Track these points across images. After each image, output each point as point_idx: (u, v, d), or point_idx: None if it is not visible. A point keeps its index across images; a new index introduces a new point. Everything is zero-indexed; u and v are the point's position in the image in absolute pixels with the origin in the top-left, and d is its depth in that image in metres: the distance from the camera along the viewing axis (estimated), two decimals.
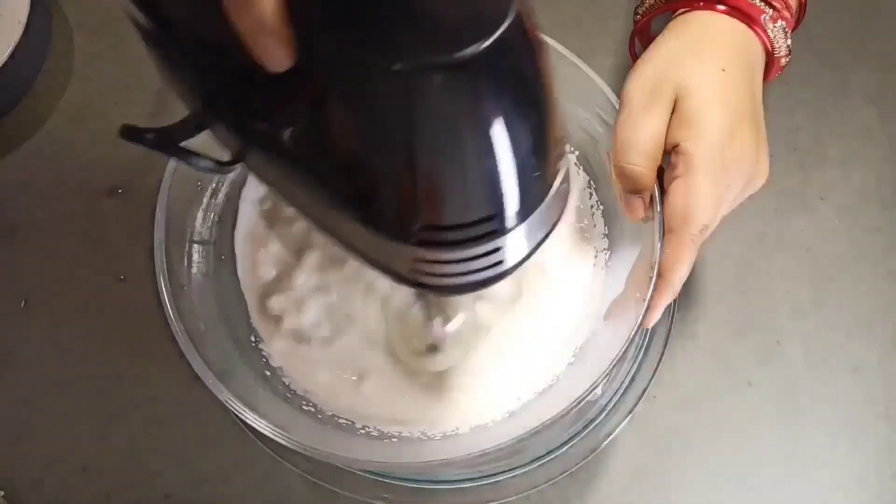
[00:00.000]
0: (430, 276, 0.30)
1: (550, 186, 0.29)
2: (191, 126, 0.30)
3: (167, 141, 0.29)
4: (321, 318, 0.50)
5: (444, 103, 0.24)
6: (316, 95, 0.26)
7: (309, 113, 0.27)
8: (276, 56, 0.25)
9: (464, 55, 0.23)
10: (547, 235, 0.31)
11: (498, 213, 0.28)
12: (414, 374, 0.48)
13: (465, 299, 0.47)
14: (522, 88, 0.26)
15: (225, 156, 0.31)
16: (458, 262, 0.29)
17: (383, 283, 0.49)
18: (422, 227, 0.28)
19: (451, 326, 0.46)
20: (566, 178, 0.30)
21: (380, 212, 0.28)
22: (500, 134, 0.25)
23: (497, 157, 0.26)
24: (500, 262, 0.30)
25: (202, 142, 0.30)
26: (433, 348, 0.47)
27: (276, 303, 0.50)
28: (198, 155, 0.29)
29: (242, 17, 0.24)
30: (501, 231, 0.28)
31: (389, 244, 0.29)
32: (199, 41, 0.29)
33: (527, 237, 0.30)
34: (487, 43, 0.23)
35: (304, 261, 0.50)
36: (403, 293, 0.48)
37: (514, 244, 0.29)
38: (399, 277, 0.31)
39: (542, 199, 0.29)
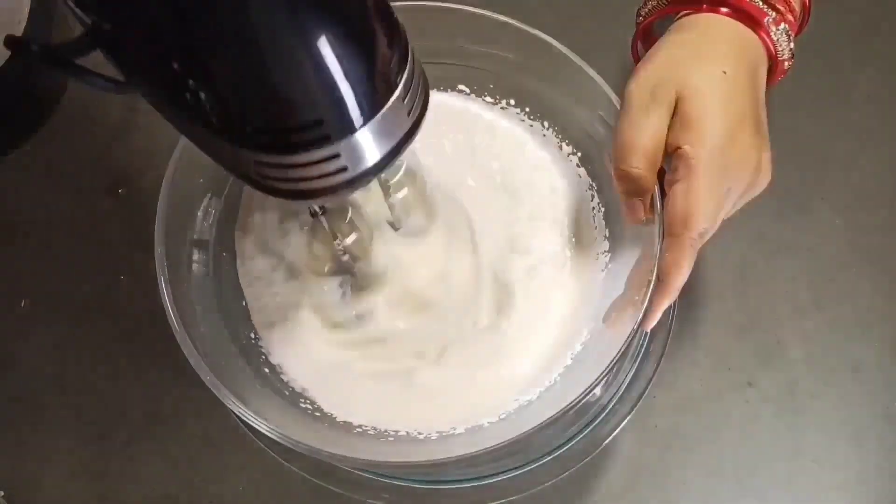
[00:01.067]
0: (278, 181, 0.31)
1: (389, 95, 0.30)
2: (81, 44, 0.30)
3: (56, 56, 0.29)
4: (321, 318, 0.50)
5: (266, 7, 0.26)
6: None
7: (154, 13, 0.28)
8: None
9: None
10: (398, 147, 0.32)
11: (327, 118, 0.29)
12: (414, 374, 0.48)
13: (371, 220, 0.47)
14: None
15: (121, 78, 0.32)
16: (297, 166, 0.30)
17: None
18: (255, 130, 0.29)
19: (349, 239, 0.46)
20: (415, 92, 0.31)
21: (220, 116, 0.29)
22: (322, 36, 0.27)
23: (321, 60, 0.27)
24: (344, 169, 0.31)
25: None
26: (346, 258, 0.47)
27: (276, 302, 0.50)
28: (94, 74, 0.30)
29: None
30: (335, 136, 0.29)
31: (234, 148, 0.30)
32: None
33: (370, 145, 0.30)
34: None
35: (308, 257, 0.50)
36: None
37: (354, 151, 0.30)
38: (255, 183, 0.32)
39: (378, 108, 0.30)
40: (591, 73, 0.47)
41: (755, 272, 0.56)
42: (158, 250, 0.44)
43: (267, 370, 0.49)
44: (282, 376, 0.49)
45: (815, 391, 0.53)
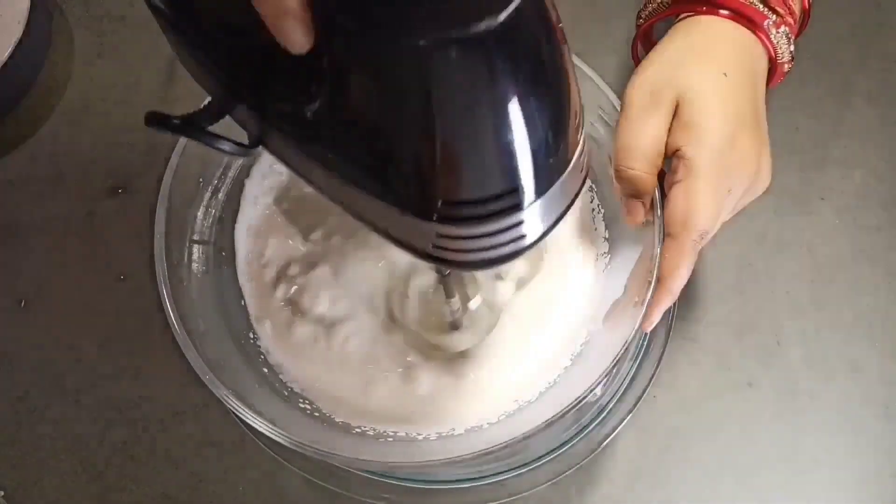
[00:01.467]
0: (452, 252, 0.30)
1: (570, 159, 0.29)
2: (214, 111, 0.30)
3: (192, 126, 0.29)
4: (322, 316, 0.50)
5: (461, 77, 0.25)
6: (335, 75, 0.27)
7: (329, 93, 0.27)
8: (298, 38, 0.25)
9: (479, 28, 0.23)
10: (567, 208, 0.31)
11: (518, 187, 0.28)
12: (414, 375, 0.48)
13: (482, 278, 0.48)
14: (538, 61, 0.26)
15: (246, 138, 0.32)
16: (479, 237, 0.29)
17: (391, 273, 0.50)
18: (443, 203, 0.28)
19: (473, 304, 0.46)
20: (584, 151, 0.31)
21: (401, 189, 0.28)
22: (516, 107, 0.26)
23: (515, 131, 0.26)
24: (521, 237, 0.30)
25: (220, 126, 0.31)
26: (454, 327, 0.47)
27: (278, 300, 0.50)
28: (222, 138, 0.30)
29: (264, 1, 0.25)
30: (522, 205, 0.28)
31: (411, 221, 0.29)
32: (221, 25, 0.30)
33: (547, 210, 0.30)
34: (503, 16, 0.23)
35: (309, 258, 0.50)
36: (417, 282, 0.49)
37: (534, 218, 0.29)
38: (421, 254, 0.31)
39: (561, 172, 0.29)
40: (591, 74, 0.47)
41: (755, 272, 0.56)
42: (158, 250, 0.44)
43: (266, 370, 0.49)
44: (281, 376, 0.49)
45: (815, 391, 0.53)
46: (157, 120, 0.28)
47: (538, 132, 0.27)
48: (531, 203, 0.28)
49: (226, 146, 0.30)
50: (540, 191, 0.28)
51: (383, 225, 0.31)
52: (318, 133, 0.29)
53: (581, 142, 0.30)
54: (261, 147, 0.32)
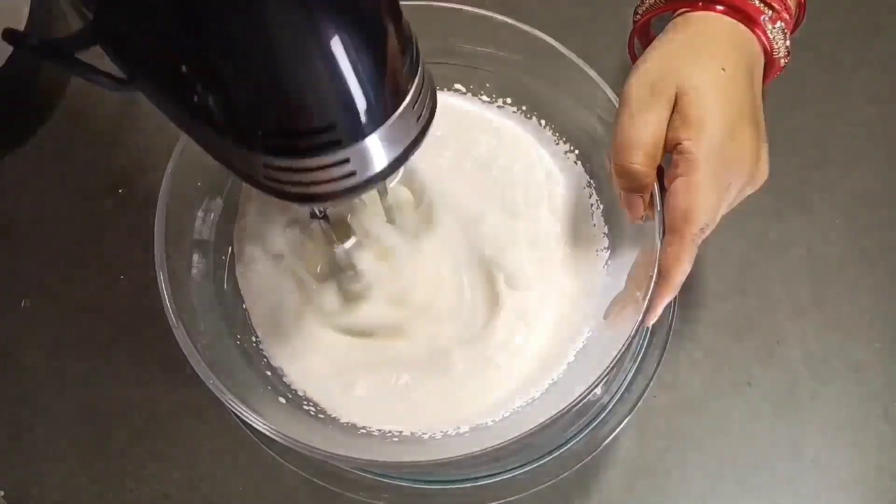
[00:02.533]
0: (284, 184, 0.31)
1: (400, 101, 0.30)
2: (81, 38, 0.30)
3: (56, 50, 0.29)
4: (322, 318, 0.50)
5: (281, 9, 0.26)
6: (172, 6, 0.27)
7: (170, 20, 0.28)
8: None
9: None
10: (405, 153, 0.32)
11: (339, 123, 0.29)
12: (415, 375, 0.48)
13: (368, 224, 0.48)
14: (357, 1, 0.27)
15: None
16: (307, 170, 0.30)
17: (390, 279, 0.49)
18: (266, 133, 0.29)
19: (348, 243, 0.46)
20: (424, 98, 0.31)
21: (229, 119, 0.29)
22: (339, 41, 0.27)
23: (338, 65, 0.27)
24: (353, 174, 0.31)
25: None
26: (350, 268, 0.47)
27: (276, 302, 0.50)
28: (95, 70, 0.30)
29: None
30: (346, 141, 0.29)
31: (242, 151, 0.30)
32: None
33: (378, 151, 0.31)
34: None
35: (307, 259, 0.50)
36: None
37: (363, 156, 0.30)
38: (260, 185, 0.32)
39: (389, 114, 0.30)
40: (590, 71, 0.47)
41: (755, 272, 0.56)
42: (158, 250, 0.44)
43: (268, 372, 0.49)
44: (282, 377, 0.49)
45: (815, 391, 0.53)
46: (13, 38, 0.28)
47: (357, 70, 0.28)
48: (355, 141, 0.29)
49: (96, 77, 0.30)
50: (364, 130, 0.29)
51: (225, 158, 0.32)
52: (164, 63, 0.29)
53: (415, 88, 0.31)
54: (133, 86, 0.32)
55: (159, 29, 0.28)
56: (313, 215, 0.44)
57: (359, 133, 0.29)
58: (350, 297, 0.49)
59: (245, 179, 0.33)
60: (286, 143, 0.29)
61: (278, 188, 0.32)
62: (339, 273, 0.49)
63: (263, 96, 0.28)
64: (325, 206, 0.42)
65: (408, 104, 0.30)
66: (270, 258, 0.51)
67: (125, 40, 0.30)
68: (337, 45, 0.27)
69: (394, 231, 0.48)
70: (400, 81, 0.30)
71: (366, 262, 0.47)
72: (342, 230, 0.46)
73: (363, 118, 0.29)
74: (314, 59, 0.27)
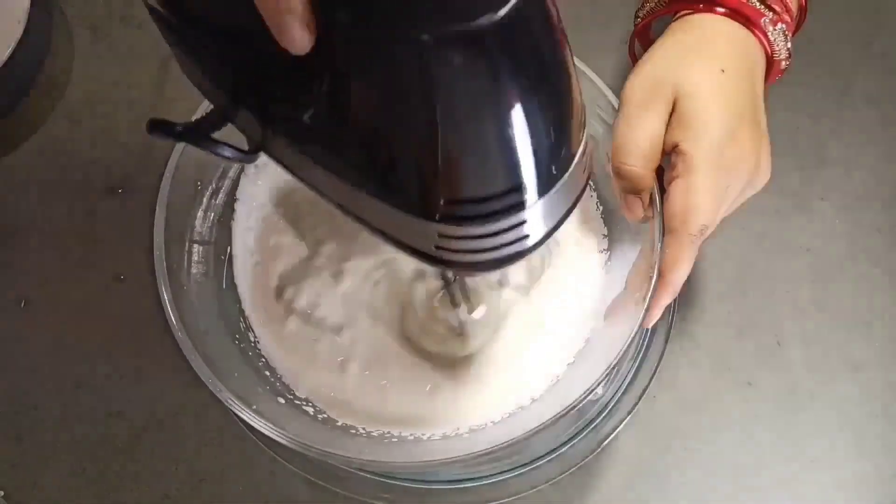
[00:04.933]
0: (455, 253, 0.30)
1: (573, 157, 0.29)
2: (216, 117, 0.30)
3: (196, 133, 0.29)
4: (323, 318, 0.50)
5: (463, 74, 0.24)
6: (336, 74, 0.27)
7: (329, 93, 0.27)
8: (298, 37, 0.25)
9: (480, 23, 0.23)
10: (571, 208, 0.31)
11: (520, 186, 0.28)
12: (415, 376, 0.48)
13: (484, 287, 0.48)
14: (539, 58, 0.26)
15: (247, 144, 0.32)
16: (483, 237, 0.29)
17: (393, 279, 0.50)
18: (445, 202, 0.28)
19: (478, 314, 0.47)
20: (587, 151, 0.31)
21: (402, 189, 0.28)
22: (518, 105, 0.26)
23: (516, 129, 0.26)
24: (524, 237, 0.30)
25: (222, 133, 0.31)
26: (457, 334, 0.47)
27: (277, 302, 0.50)
28: (225, 144, 0.30)
29: (265, 1, 0.25)
30: (525, 204, 0.28)
31: (413, 221, 0.29)
32: (219, 28, 0.30)
33: (551, 210, 0.30)
34: (503, 11, 0.23)
35: (310, 261, 0.50)
36: (420, 289, 0.49)
37: (537, 217, 0.29)
38: (424, 256, 0.31)
39: (565, 171, 0.29)
40: (589, 72, 0.47)
41: (755, 272, 0.56)
42: (158, 250, 0.44)
43: (268, 373, 0.49)
44: (281, 377, 0.49)
45: (815, 391, 0.53)
46: (159, 127, 0.28)
47: (540, 130, 0.27)
48: (534, 202, 0.28)
49: (228, 152, 0.30)
50: (543, 190, 0.28)
51: (385, 227, 0.31)
52: (319, 135, 0.29)
53: (583, 140, 0.30)
54: (261, 153, 0.32)
55: (318, 101, 0.27)
56: (445, 279, 0.43)
57: (542, 191, 0.28)
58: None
59: (404, 249, 0.31)
60: (469, 211, 0.28)
61: (447, 258, 0.30)
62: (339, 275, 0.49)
63: (450, 164, 0.27)
64: (493, 272, 0.41)
65: (579, 157, 0.29)
66: (271, 258, 0.51)
67: (271, 116, 0.30)
68: (524, 109, 0.26)
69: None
70: (575, 134, 0.29)
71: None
72: (466, 297, 0.46)
73: (547, 176, 0.28)
74: (502, 124, 0.26)
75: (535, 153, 0.27)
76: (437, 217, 0.28)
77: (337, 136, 0.28)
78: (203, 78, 0.32)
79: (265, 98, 0.30)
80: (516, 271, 0.49)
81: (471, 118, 0.26)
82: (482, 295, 0.47)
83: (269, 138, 0.31)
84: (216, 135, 0.30)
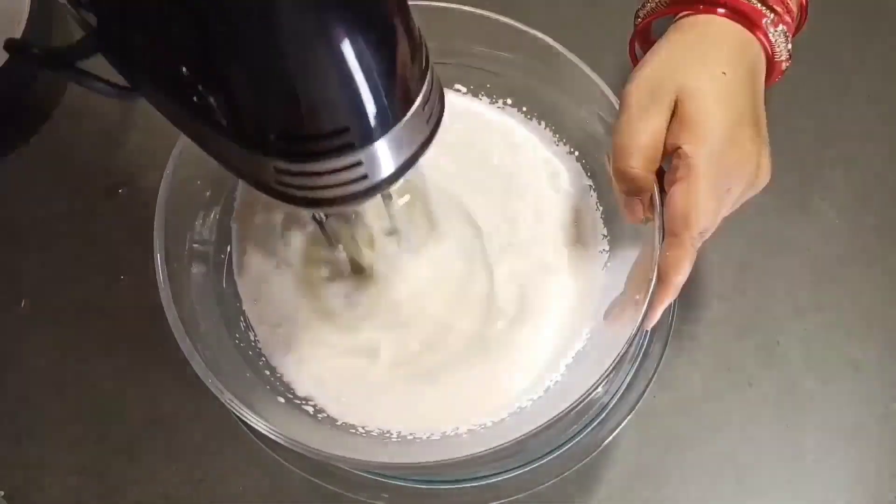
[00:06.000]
0: (296, 189, 0.31)
1: (411, 101, 0.30)
2: (83, 47, 0.30)
3: (58, 59, 0.29)
4: (324, 322, 0.50)
5: (293, 13, 0.26)
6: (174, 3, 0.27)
7: (170, 27, 0.28)
8: None
9: None
10: (415, 156, 0.32)
11: (352, 126, 0.29)
12: (415, 375, 0.48)
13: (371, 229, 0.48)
14: (371, 4, 0.27)
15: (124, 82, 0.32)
16: (319, 174, 0.30)
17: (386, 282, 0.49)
18: (278, 137, 0.29)
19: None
20: (433, 101, 0.32)
21: (240, 123, 0.29)
22: (347, 44, 0.27)
23: (351, 67, 0.27)
24: (364, 177, 0.31)
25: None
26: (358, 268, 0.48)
27: (276, 302, 0.50)
28: (96, 78, 0.30)
29: None
30: (358, 144, 0.29)
31: (253, 156, 0.30)
32: None
33: (389, 153, 0.31)
34: None
35: (306, 261, 0.50)
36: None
37: (375, 159, 0.30)
38: (271, 191, 0.32)
39: (401, 116, 0.30)
40: (590, 73, 0.47)
41: (755, 272, 0.56)
42: (158, 251, 0.44)
43: (268, 372, 0.49)
44: (282, 377, 0.49)
45: (815, 391, 0.53)
46: (17, 48, 0.28)
47: (370, 71, 0.28)
48: (368, 143, 0.29)
49: (99, 86, 0.30)
50: (379, 132, 0.29)
51: (235, 163, 0.32)
52: (169, 74, 0.29)
53: (426, 90, 0.31)
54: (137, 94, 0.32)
55: (166, 35, 0.28)
56: (316, 220, 0.44)
57: (372, 135, 0.29)
58: (354, 300, 0.49)
59: (254, 185, 0.33)
60: (299, 147, 0.29)
61: (289, 193, 0.32)
62: (340, 276, 0.49)
63: (277, 100, 0.28)
64: (336, 210, 0.42)
65: (418, 106, 0.31)
66: (270, 259, 0.51)
67: (129, 47, 0.30)
68: (351, 48, 0.27)
69: (395, 236, 0.48)
70: (412, 83, 0.30)
71: (369, 265, 0.47)
72: (346, 234, 0.46)
73: (376, 120, 0.29)
74: (329, 61, 0.27)
75: (364, 96, 0.28)
76: (270, 152, 0.29)
77: (185, 76, 0.29)
78: (77, 4, 0.31)
79: (126, 28, 0.30)
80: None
81: (300, 55, 0.27)
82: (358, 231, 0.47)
83: (136, 77, 0.31)
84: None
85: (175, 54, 0.29)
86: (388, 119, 0.30)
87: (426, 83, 0.31)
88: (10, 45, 0.28)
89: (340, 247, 0.46)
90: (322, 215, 0.43)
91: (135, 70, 0.31)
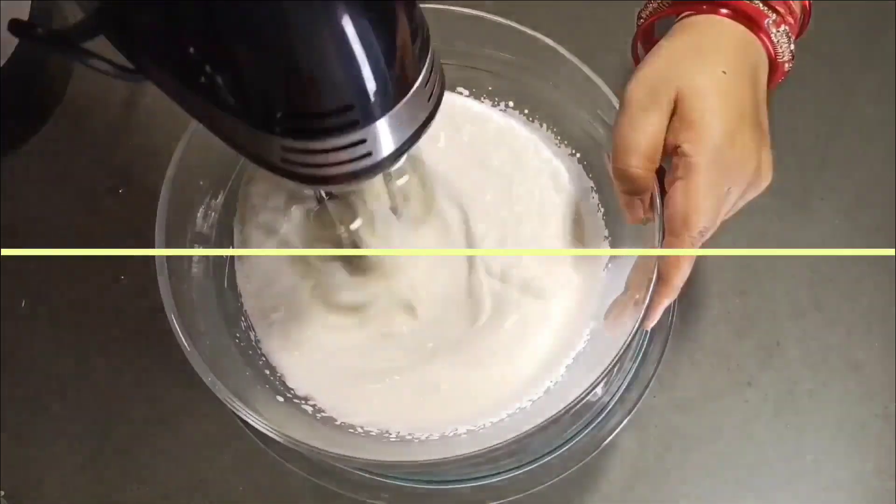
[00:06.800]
0: (300, 167, 0.32)
1: (414, 81, 0.31)
2: (86, 27, 0.30)
3: (61, 39, 0.29)
4: (323, 318, 0.50)
5: None
6: None
7: (181, 9, 0.28)
8: None
9: None
10: (417, 133, 0.33)
11: (357, 104, 0.29)
12: (414, 375, 0.48)
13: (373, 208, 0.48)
14: None
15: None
16: (324, 151, 0.31)
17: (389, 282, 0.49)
18: (284, 116, 0.29)
19: (354, 224, 0.47)
20: (434, 79, 0.32)
21: (246, 101, 0.30)
22: (349, 24, 0.27)
23: (356, 45, 0.28)
24: (368, 154, 0.31)
25: None
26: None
27: (275, 302, 0.50)
28: (98, 57, 0.30)
29: None
30: (363, 122, 0.30)
31: (258, 134, 0.30)
32: None
33: (392, 131, 0.31)
34: None
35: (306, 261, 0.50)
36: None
37: (378, 137, 0.31)
38: (275, 168, 0.32)
39: (404, 93, 0.30)
40: (591, 74, 0.47)
41: (755, 272, 0.56)
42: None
43: (268, 372, 0.49)
44: (282, 377, 0.49)
45: (815, 391, 0.53)
46: (21, 29, 0.28)
47: (373, 51, 0.28)
48: (371, 122, 0.30)
49: (103, 66, 0.30)
50: (382, 110, 0.30)
51: (238, 141, 0.32)
52: (176, 55, 0.30)
53: (427, 69, 0.31)
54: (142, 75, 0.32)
55: (171, 14, 0.29)
56: (318, 199, 0.44)
57: (376, 113, 0.30)
58: (353, 280, 0.49)
59: (259, 163, 0.33)
60: (304, 125, 0.30)
61: (294, 171, 0.32)
62: (341, 258, 0.49)
63: (284, 79, 0.29)
64: (340, 188, 0.42)
65: (420, 84, 0.31)
66: (272, 239, 0.51)
67: (133, 27, 0.30)
68: (355, 26, 0.27)
69: (396, 219, 0.48)
70: (414, 61, 0.31)
71: (369, 243, 0.47)
72: (348, 213, 0.46)
73: (380, 98, 0.30)
74: (333, 40, 0.28)
75: (369, 73, 0.29)
76: (276, 130, 0.30)
77: (190, 56, 0.29)
78: None
79: (130, 9, 0.30)
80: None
81: (304, 33, 0.27)
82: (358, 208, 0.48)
83: (140, 56, 0.31)
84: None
85: (180, 34, 0.29)
86: (392, 97, 0.30)
87: (427, 60, 0.31)
88: (15, 26, 0.28)
89: (343, 229, 0.46)
90: (324, 193, 0.44)
91: (138, 49, 0.31)
